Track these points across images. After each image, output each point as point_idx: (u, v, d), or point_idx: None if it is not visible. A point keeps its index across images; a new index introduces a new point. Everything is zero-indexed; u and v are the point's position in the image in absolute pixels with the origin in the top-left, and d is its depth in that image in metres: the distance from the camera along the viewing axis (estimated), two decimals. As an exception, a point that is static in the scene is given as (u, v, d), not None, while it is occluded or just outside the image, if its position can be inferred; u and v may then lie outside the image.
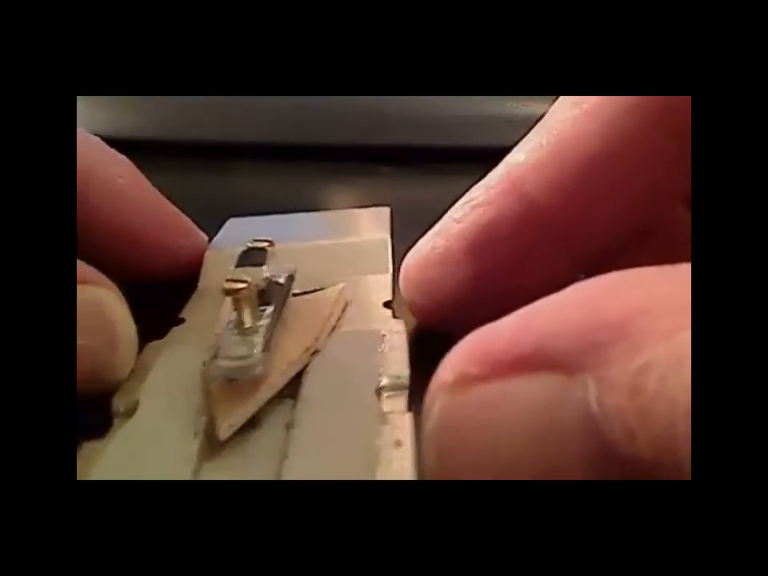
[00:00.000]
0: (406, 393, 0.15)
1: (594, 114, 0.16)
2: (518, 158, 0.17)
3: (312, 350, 0.17)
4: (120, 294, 0.17)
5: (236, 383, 0.15)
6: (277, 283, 0.18)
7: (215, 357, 0.16)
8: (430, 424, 0.11)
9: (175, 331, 0.19)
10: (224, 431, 0.14)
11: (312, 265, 0.20)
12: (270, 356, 0.16)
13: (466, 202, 0.17)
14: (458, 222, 0.17)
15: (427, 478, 0.12)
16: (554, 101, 0.17)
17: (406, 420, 0.14)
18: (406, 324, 0.18)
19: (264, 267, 0.18)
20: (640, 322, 0.10)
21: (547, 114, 0.17)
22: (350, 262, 0.21)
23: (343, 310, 0.19)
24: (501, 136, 0.20)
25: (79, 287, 0.16)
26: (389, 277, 0.20)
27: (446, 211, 0.18)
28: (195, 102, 0.33)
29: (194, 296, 0.20)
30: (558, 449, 0.10)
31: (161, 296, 0.20)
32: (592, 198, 0.16)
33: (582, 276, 0.12)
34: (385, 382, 0.15)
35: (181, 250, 0.21)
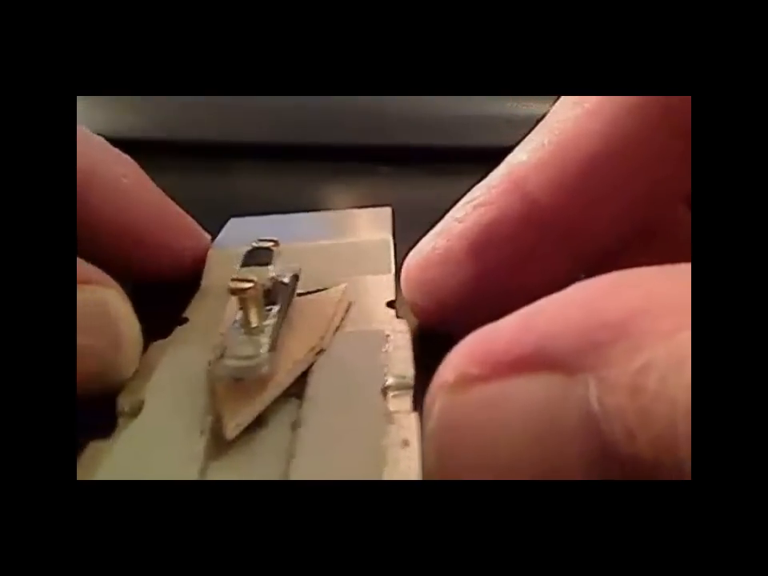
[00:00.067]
0: (411, 392, 0.15)
1: (595, 114, 0.16)
2: (519, 157, 0.17)
3: (317, 349, 0.17)
4: (124, 293, 0.17)
5: (242, 382, 0.15)
6: (282, 283, 0.18)
7: (221, 356, 0.16)
8: (430, 424, 0.11)
9: (179, 331, 0.19)
10: (231, 430, 0.14)
11: (314, 265, 0.20)
12: (276, 355, 0.16)
13: (468, 202, 0.17)
14: (459, 222, 0.17)
15: (427, 477, 0.12)
16: (555, 101, 0.17)
17: (412, 419, 0.14)
18: (408, 324, 0.18)
19: (270, 267, 0.18)
20: (640, 321, 0.10)
21: (549, 114, 0.17)
22: (352, 262, 0.21)
23: (346, 310, 0.19)
24: (501, 136, 0.20)
25: (84, 287, 0.16)
26: (391, 277, 0.20)
27: (445, 211, 0.18)
28: (195, 101, 0.33)
29: (197, 295, 0.20)
30: (558, 449, 0.10)
31: (164, 296, 0.20)
32: (594, 198, 0.16)
33: (583, 276, 0.12)
34: (390, 381, 0.15)
35: (185, 251, 0.22)
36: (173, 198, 0.22)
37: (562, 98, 0.17)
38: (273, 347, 0.16)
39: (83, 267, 0.16)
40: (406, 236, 0.21)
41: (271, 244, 0.19)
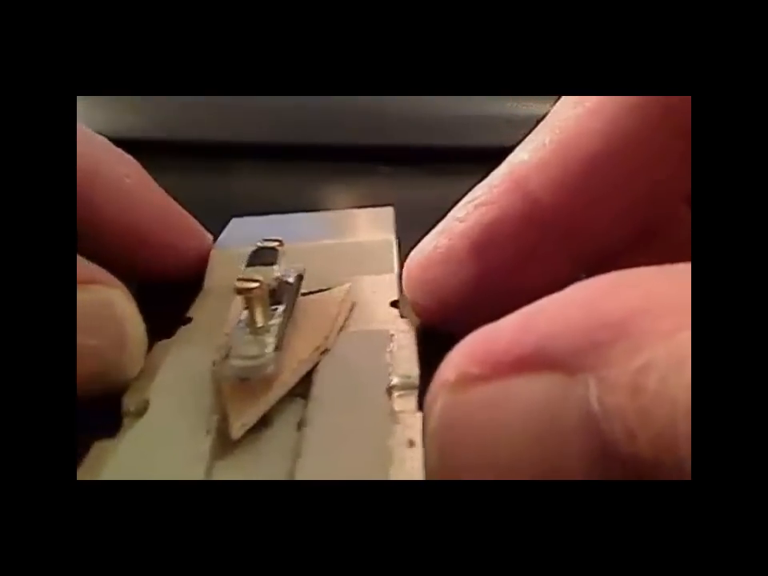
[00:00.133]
0: (416, 392, 0.15)
1: (596, 113, 0.16)
2: (521, 156, 0.17)
3: (322, 349, 0.17)
4: (129, 293, 0.17)
5: (248, 382, 0.15)
6: (287, 283, 0.18)
7: (227, 356, 0.16)
8: (431, 423, 0.11)
9: (183, 330, 0.19)
10: (237, 430, 0.15)
11: (317, 264, 0.20)
12: (282, 355, 0.16)
13: (469, 201, 0.17)
14: (461, 221, 0.17)
15: (429, 476, 0.12)
16: (555, 101, 0.17)
17: (418, 419, 0.14)
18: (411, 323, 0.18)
19: (275, 267, 0.18)
20: (640, 321, 0.10)
21: (550, 113, 0.17)
22: (355, 261, 0.21)
23: (350, 310, 0.19)
24: (501, 136, 0.20)
25: (89, 287, 0.16)
26: (394, 276, 0.20)
27: (445, 211, 0.18)
28: (195, 101, 0.33)
29: (200, 295, 0.20)
30: (558, 448, 0.10)
31: (168, 296, 0.20)
32: (595, 197, 0.16)
33: (584, 276, 0.12)
34: (395, 381, 0.16)
35: (189, 251, 0.22)
36: (173, 198, 0.22)
37: (563, 97, 0.17)
38: (278, 347, 0.16)
39: (88, 267, 0.16)
40: (405, 236, 0.21)
41: (276, 244, 0.19)
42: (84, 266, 0.16)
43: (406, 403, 0.15)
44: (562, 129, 0.16)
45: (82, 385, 0.14)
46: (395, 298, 0.19)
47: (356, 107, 0.32)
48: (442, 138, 0.31)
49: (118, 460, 0.14)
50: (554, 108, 0.17)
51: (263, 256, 0.18)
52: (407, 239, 0.19)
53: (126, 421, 0.16)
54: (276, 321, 0.16)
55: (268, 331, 0.16)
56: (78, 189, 0.18)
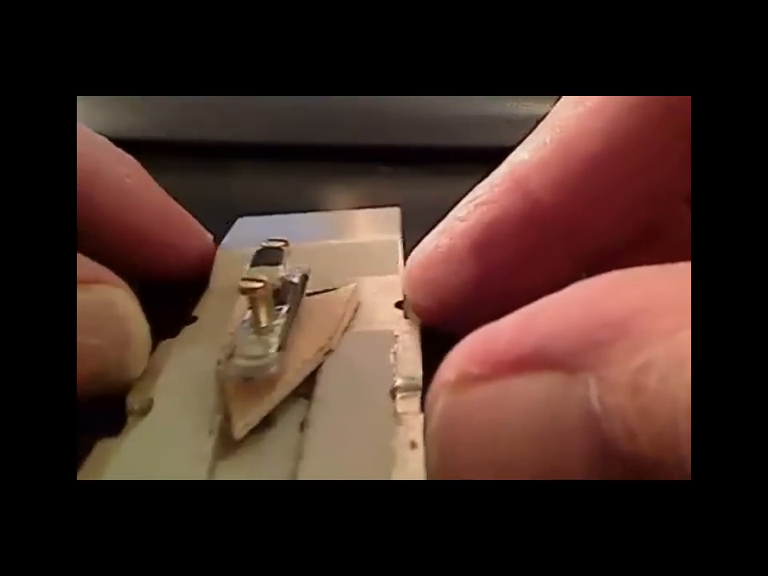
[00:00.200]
0: (419, 394, 0.15)
1: (597, 112, 0.16)
2: (521, 156, 0.17)
3: (326, 349, 0.17)
4: (132, 293, 0.17)
5: (252, 382, 0.15)
6: (291, 283, 0.18)
7: (231, 356, 0.16)
8: (432, 423, 0.11)
9: (187, 330, 0.19)
10: (239, 430, 0.15)
11: (322, 265, 0.20)
12: (285, 355, 0.16)
13: (470, 201, 0.17)
14: (461, 221, 0.17)
15: (430, 476, 0.12)
16: (555, 101, 0.17)
17: (420, 421, 0.14)
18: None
19: (280, 267, 0.18)
20: (640, 321, 0.10)
21: (551, 113, 0.17)
22: (360, 262, 0.21)
23: (355, 310, 0.19)
24: (501, 136, 0.20)
25: (92, 287, 0.16)
26: (399, 277, 0.20)
27: (446, 211, 0.18)
28: (195, 101, 0.33)
29: (205, 295, 0.20)
30: (559, 448, 0.10)
31: (172, 295, 0.20)
32: (595, 197, 0.16)
33: (584, 275, 0.12)
34: (399, 382, 0.16)
35: (190, 250, 0.22)
36: (173, 198, 0.22)
37: (564, 97, 0.17)
38: (282, 347, 0.16)
39: (91, 267, 0.16)
40: (405, 236, 0.21)
41: (281, 244, 0.19)
42: (87, 266, 0.16)
43: (409, 405, 0.15)
44: (562, 128, 0.16)
45: (86, 384, 0.14)
46: (400, 298, 0.19)
47: (356, 107, 0.32)
48: (442, 138, 0.31)
49: (121, 459, 0.14)
50: (555, 108, 0.17)
51: (268, 256, 0.18)
52: (408, 239, 0.19)
53: (129, 420, 0.16)
54: (280, 321, 0.16)
55: (272, 331, 0.16)
56: (79, 189, 0.18)
